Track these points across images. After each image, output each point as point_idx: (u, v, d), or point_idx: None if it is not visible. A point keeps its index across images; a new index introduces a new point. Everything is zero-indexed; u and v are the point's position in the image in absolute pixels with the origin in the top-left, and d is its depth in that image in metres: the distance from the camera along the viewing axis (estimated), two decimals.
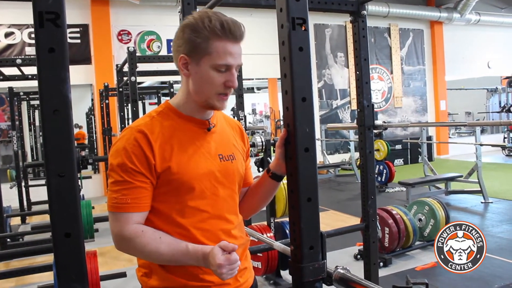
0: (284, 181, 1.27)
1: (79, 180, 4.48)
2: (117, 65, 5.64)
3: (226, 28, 1.21)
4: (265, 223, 3.86)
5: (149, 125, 1.26)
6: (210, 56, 1.22)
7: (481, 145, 6.51)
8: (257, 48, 9.74)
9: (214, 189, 1.31)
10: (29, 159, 10.85)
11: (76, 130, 11.98)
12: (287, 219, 3.80)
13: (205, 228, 1.28)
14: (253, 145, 3.54)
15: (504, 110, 14.25)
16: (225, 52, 1.22)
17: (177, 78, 7.69)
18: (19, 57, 7.45)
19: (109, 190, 1.24)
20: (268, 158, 3.45)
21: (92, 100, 9.83)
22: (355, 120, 2.77)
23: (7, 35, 8.46)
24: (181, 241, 1.22)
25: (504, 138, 13.07)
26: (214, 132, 1.35)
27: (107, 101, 7.67)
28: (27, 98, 8.19)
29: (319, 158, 10.43)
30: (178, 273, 1.27)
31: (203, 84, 1.25)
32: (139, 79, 4.80)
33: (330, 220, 6.10)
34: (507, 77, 14.51)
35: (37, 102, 8.75)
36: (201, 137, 1.32)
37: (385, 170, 7.95)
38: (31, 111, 10.26)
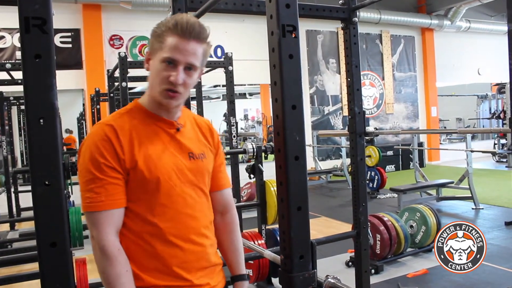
0: (275, 188, 1.26)
1: (69, 187, 4.44)
2: (108, 70, 5.61)
3: (179, 24, 1.23)
4: (256, 230, 3.84)
5: (118, 121, 1.27)
6: (161, 50, 1.25)
7: (472, 151, 6.54)
8: (250, 53, 9.77)
9: (183, 187, 1.30)
10: (19, 164, 10.76)
11: (66, 135, 11.90)
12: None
13: (174, 226, 1.28)
14: (244, 151, 3.53)
15: (494, 117, 14.37)
16: (174, 47, 1.23)
17: None
18: (9, 61, 7.40)
19: (81, 190, 1.22)
20: (260, 165, 3.44)
21: (84, 105, 9.77)
22: (347, 127, 2.76)
23: None
24: None
25: (495, 144, 13.16)
26: (183, 131, 1.35)
27: (98, 107, 7.62)
28: (17, 103, 8.12)
29: (311, 164, 10.43)
30: (151, 273, 1.26)
31: (152, 77, 1.28)
32: (130, 84, 4.78)
33: (321, 226, 6.09)
34: (497, 84, 14.66)
35: None
36: (170, 136, 1.32)
37: (376, 176, 7.96)
38: (21, 116, 10.18)
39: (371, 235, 4.19)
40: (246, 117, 17.81)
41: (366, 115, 2.73)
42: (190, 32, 1.24)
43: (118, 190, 1.21)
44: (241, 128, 16.30)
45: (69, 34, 8.93)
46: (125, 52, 4.31)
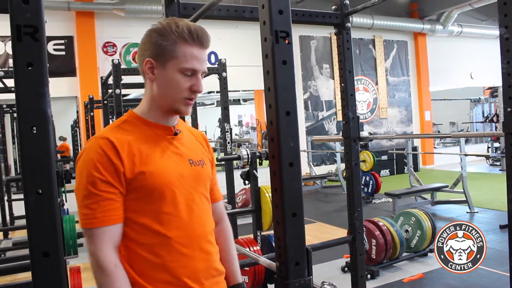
0: (270, 194, 1.26)
1: (63, 194, 4.41)
2: (101, 78, 5.60)
3: (193, 33, 1.23)
4: (252, 236, 3.83)
5: (114, 132, 1.24)
6: (176, 60, 1.23)
7: (466, 155, 6.57)
8: (244, 59, 9.78)
9: (187, 194, 1.28)
10: (12, 172, 10.68)
11: (60, 143, 11.84)
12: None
13: (182, 234, 1.25)
14: (239, 157, 3.53)
15: (487, 120, 14.46)
16: (192, 57, 1.23)
17: None
18: (2, 69, 7.36)
19: (78, 206, 1.20)
20: (254, 171, 3.44)
21: (77, 112, 9.75)
22: (341, 132, 2.76)
23: None
24: None
25: (488, 147, 13.22)
26: (181, 138, 1.34)
27: (92, 114, 7.61)
28: (11, 111, 8.10)
29: (306, 170, 10.44)
30: (160, 284, 1.22)
31: (169, 88, 1.25)
32: (124, 91, 4.76)
33: (317, 232, 6.08)
34: (489, 88, 14.75)
35: None
36: (169, 142, 1.30)
37: (371, 181, 7.97)
38: (14, 124, 10.13)
39: (366, 240, 4.19)
40: (240, 123, 17.83)
41: (360, 120, 2.74)
42: (207, 40, 1.26)
43: (113, 206, 1.18)
44: (236, 134, 16.32)
45: (62, 41, 8.92)
46: (118, 59, 4.30)
